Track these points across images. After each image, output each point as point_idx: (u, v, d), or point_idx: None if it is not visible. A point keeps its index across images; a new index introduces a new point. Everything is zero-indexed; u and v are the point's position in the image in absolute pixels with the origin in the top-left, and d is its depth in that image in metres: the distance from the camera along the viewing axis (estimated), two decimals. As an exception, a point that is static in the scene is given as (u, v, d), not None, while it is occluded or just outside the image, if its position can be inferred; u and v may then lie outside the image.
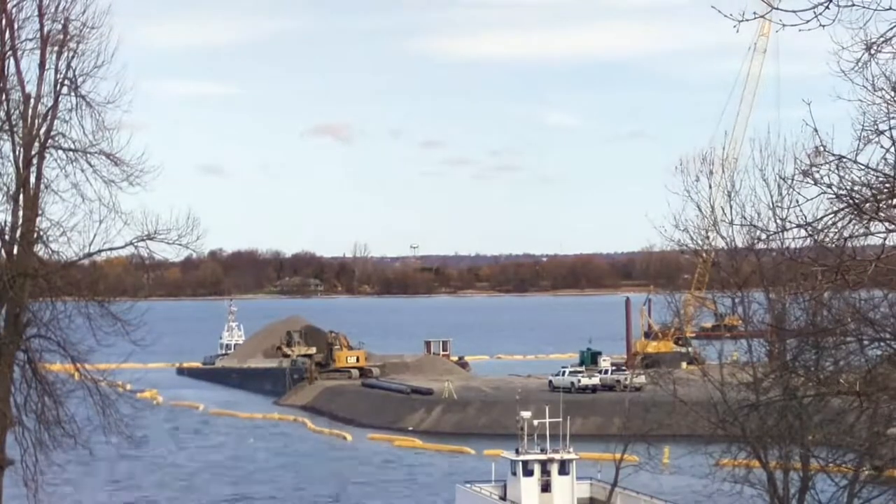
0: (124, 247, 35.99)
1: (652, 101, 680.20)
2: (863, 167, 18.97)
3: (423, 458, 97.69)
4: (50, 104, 35.06)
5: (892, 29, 17.76)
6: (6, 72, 34.64)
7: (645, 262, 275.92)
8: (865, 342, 25.85)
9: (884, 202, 18.92)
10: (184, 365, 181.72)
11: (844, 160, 18.96)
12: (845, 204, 18.88)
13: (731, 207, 42.98)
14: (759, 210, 40.99)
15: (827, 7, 16.32)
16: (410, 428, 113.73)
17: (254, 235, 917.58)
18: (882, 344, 25.47)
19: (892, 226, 19.16)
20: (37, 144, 34.94)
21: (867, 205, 18.75)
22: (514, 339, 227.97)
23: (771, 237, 37.51)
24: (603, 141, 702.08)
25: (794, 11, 16.38)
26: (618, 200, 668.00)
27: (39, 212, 35.25)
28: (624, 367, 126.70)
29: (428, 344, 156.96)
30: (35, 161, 34.99)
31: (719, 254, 47.77)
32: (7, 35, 34.55)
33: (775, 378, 39.06)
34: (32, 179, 35.05)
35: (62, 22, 34.75)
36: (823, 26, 16.42)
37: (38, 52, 34.78)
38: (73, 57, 34.94)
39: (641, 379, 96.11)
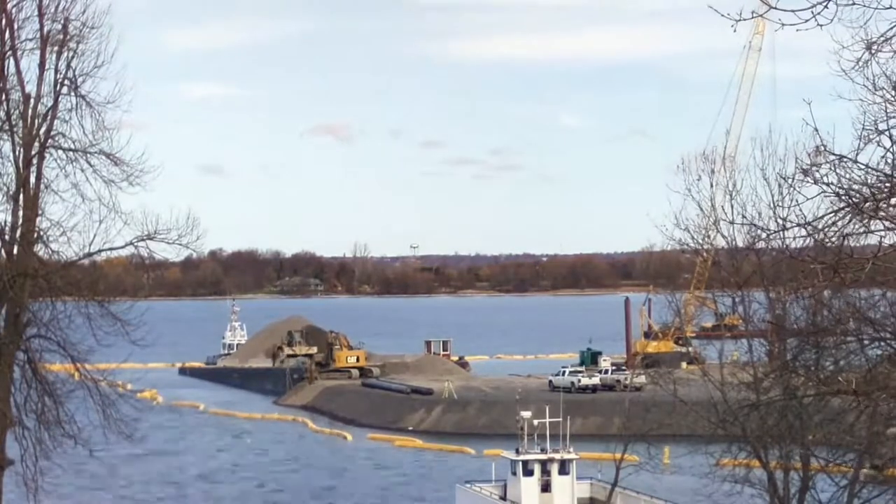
0: (124, 247, 36.04)
1: (654, 102, 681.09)
2: (863, 167, 18.98)
3: (423, 457, 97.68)
4: (50, 104, 35.09)
5: (892, 28, 17.77)
6: (6, 72, 34.66)
7: (645, 262, 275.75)
8: (865, 341, 25.87)
9: (883, 201, 18.93)
10: (186, 365, 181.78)
11: (844, 160, 18.97)
12: (845, 203, 18.90)
13: (731, 206, 43.05)
14: (760, 209, 41.07)
15: (825, 6, 16.32)
16: (410, 428, 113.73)
17: (254, 235, 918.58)
18: (882, 343, 25.49)
19: (892, 225, 19.17)
20: (37, 144, 34.96)
21: (867, 204, 18.76)
22: (514, 339, 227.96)
23: (771, 236, 37.50)
24: (603, 141, 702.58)
25: (792, 11, 16.39)
26: (618, 200, 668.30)
27: (39, 212, 35.27)
28: (624, 367, 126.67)
29: (428, 344, 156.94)
30: (35, 161, 35.01)
31: (720, 253, 47.80)
32: (7, 35, 34.58)
33: (775, 378, 39.08)
34: (32, 179, 35.07)
35: (62, 22, 34.79)
36: (821, 26, 16.43)
37: (38, 52, 34.81)
38: (73, 57, 34.98)
39: (641, 379, 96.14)
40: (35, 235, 35.15)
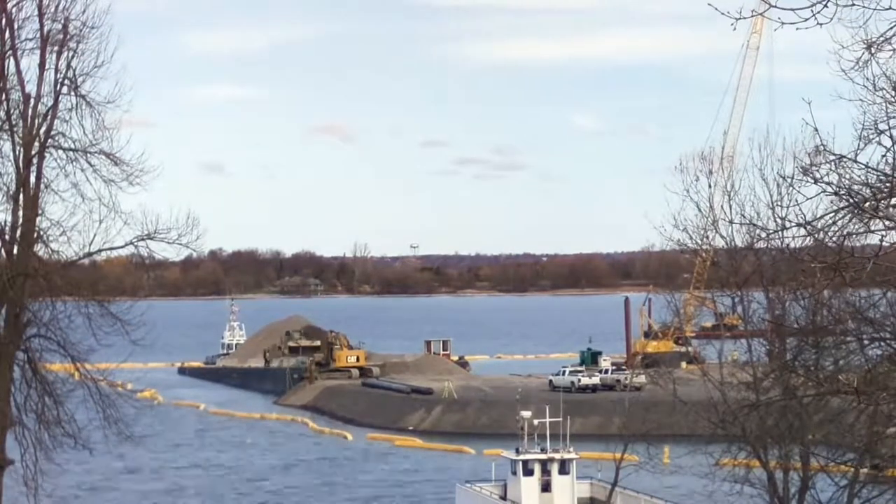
0: (124, 246, 36.06)
1: (657, 103, 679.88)
2: (863, 166, 18.99)
3: (423, 457, 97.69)
4: (50, 104, 35.10)
5: (892, 28, 17.77)
6: (6, 72, 34.67)
7: (645, 262, 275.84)
8: (865, 341, 25.86)
9: (883, 201, 18.93)
10: (185, 364, 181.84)
11: (844, 159, 18.97)
12: (845, 203, 18.90)
13: (730, 206, 43.05)
14: (759, 209, 41.06)
15: (825, 6, 16.32)
16: (410, 427, 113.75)
17: (254, 235, 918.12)
18: (882, 343, 25.48)
19: (892, 224, 19.17)
20: (37, 144, 34.97)
21: (867, 204, 18.76)
22: (514, 339, 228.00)
23: (770, 236, 37.53)
24: (604, 141, 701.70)
25: (792, 10, 16.39)
26: (618, 200, 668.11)
27: (39, 211, 35.29)
28: (624, 367, 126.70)
29: (428, 344, 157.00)
30: (35, 161, 35.02)
31: (719, 253, 47.78)
32: (7, 35, 34.59)
33: (775, 378, 39.08)
34: (32, 179, 35.08)
35: (62, 22, 34.81)
36: (821, 24, 16.42)
37: (38, 52, 34.82)
38: (73, 57, 35.00)
39: (641, 379, 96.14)
40: (35, 235, 35.17)
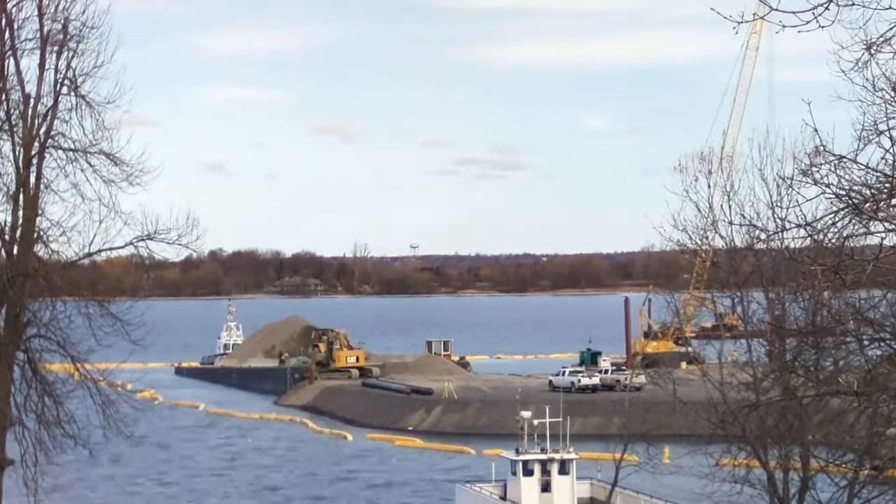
0: (124, 247, 36.04)
1: (660, 104, 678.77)
2: (862, 167, 18.98)
3: (423, 457, 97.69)
4: (50, 104, 35.08)
5: (892, 29, 17.76)
6: (6, 72, 34.66)
7: (645, 263, 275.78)
8: (865, 342, 25.85)
9: (883, 202, 18.93)
10: (182, 365, 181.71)
11: (844, 160, 18.96)
12: (845, 204, 18.89)
13: (729, 207, 43.06)
14: (759, 210, 41.07)
15: (826, 7, 16.31)
16: (410, 428, 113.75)
17: (254, 235, 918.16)
18: (882, 344, 25.47)
19: (892, 226, 19.17)
20: (37, 144, 34.96)
21: (867, 205, 18.76)
22: (514, 339, 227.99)
23: (770, 237, 37.53)
24: (605, 141, 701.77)
25: (793, 12, 16.37)
26: (618, 200, 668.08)
27: (39, 212, 35.27)
28: (624, 367, 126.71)
29: (429, 344, 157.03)
30: (35, 161, 35.01)
31: (718, 253, 47.79)
32: (7, 35, 34.57)
33: (775, 378, 39.08)
34: (32, 179, 35.07)
35: (62, 22, 34.78)
36: (823, 27, 16.42)
37: (38, 52, 34.80)
38: (72, 57, 34.98)
39: (641, 379, 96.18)
40: (35, 235, 35.15)
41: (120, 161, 35.34)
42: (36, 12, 34.63)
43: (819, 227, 19.54)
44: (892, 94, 20.14)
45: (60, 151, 35.40)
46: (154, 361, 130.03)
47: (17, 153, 34.80)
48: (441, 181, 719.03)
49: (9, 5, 34.52)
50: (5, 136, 34.90)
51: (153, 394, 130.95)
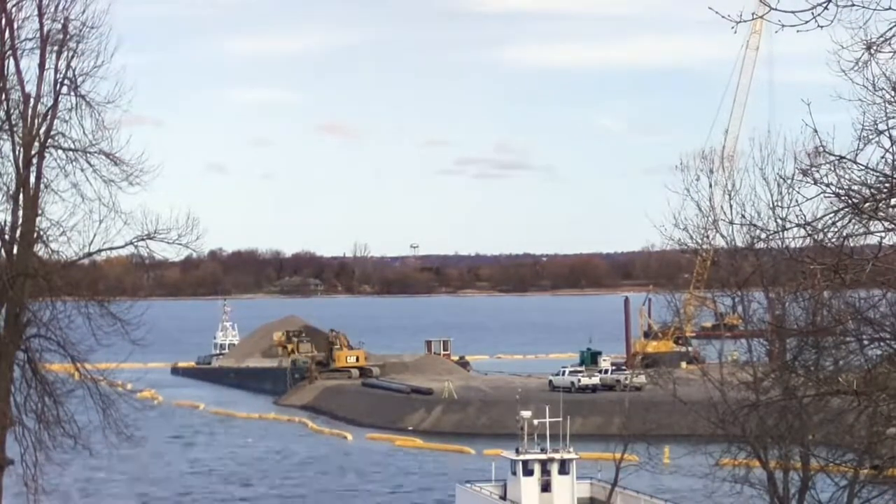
0: (124, 246, 36.06)
1: (663, 105, 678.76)
2: (862, 167, 18.98)
3: (423, 457, 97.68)
4: (50, 104, 35.09)
5: (891, 29, 17.77)
6: (6, 72, 34.66)
7: (645, 262, 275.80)
8: (865, 342, 25.86)
9: (883, 202, 18.93)
10: (178, 365, 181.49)
11: (844, 160, 18.96)
12: (845, 204, 18.89)
13: (730, 206, 43.05)
14: (759, 209, 41.08)
15: (826, 7, 16.32)
16: (410, 428, 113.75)
17: (254, 235, 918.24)
18: (882, 343, 25.47)
19: (891, 225, 19.17)
20: (37, 144, 34.97)
21: (867, 204, 18.76)
22: (514, 339, 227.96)
23: (771, 236, 37.54)
24: (606, 140, 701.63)
25: (792, 12, 16.38)
26: (618, 200, 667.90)
27: (39, 212, 35.28)
28: (624, 367, 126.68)
29: (429, 344, 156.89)
30: (35, 161, 35.02)
31: (719, 253, 47.78)
32: (7, 35, 34.57)
33: (775, 378, 39.07)
34: (32, 179, 35.08)
35: (62, 22, 34.79)
36: (822, 27, 16.42)
37: (38, 52, 34.81)
38: (72, 57, 34.98)
39: (641, 379, 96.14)
40: (35, 235, 35.16)
41: (120, 161, 35.38)
42: (36, 12, 34.66)
43: (819, 226, 19.55)
44: (892, 93, 20.15)
45: (60, 151, 35.43)
46: (154, 361, 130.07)
47: (17, 153, 34.81)
48: (441, 181, 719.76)
49: (9, 5, 34.53)
50: (5, 136, 34.94)
51: (153, 394, 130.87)
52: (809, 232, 19.57)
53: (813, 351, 33.24)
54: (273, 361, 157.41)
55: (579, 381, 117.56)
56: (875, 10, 17.28)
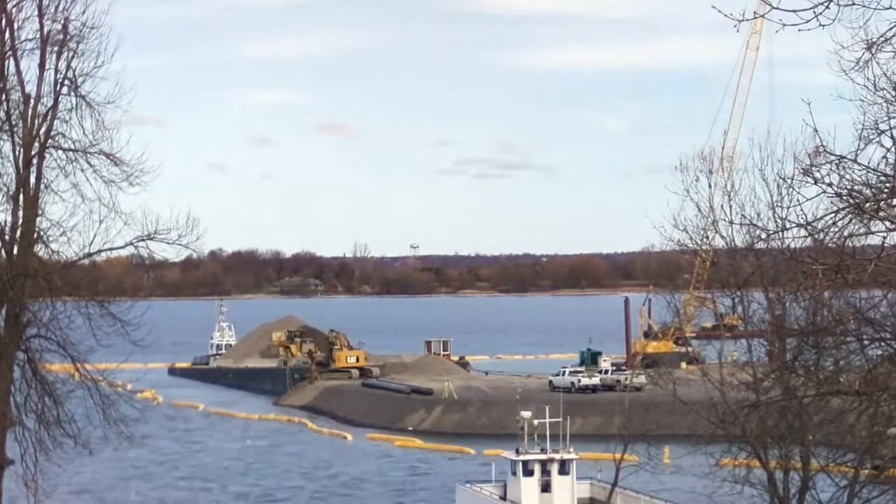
0: (124, 247, 36.05)
1: (666, 105, 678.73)
2: (863, 167, 18.97)
3: (423, 457, 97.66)
4: (50, 104, 35.08)
5: (892, 28, 17.76)
6: (6, 72, 34.65)
7: (645, 263, 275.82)
8: (865, 342, 25.85)
9: (884, 202, 18.92)
10: (175, 365, 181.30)
11: (845, 160, 18.96)
12: (845, 203, 18.88)
13: (730, 207, 43.03)
14: (759, 209, 41.05)
15: (827, 7, 16.31)
16: (410, 428, 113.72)
17: (254, 235, 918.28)
18: (882, 343, 25.47)
19: (893, 225, 19.15)
20: (37, 144, 34.96)
21: (867, 204, 18.75)
22: (514, 339, 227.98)
23: (771, 237, 37.50)
24: (607, 140, 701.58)
25: (793, 11, 16.37)
26: (618, 200, 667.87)
27: (39, 212, 35.28)
28: (624, 367, 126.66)
29: (428, 344, 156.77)
30: (35, 161, 35.01)
31: (719, 253, 47.76)
32: (7, 35, 34.57)
33: (775, 378, 39.06)
34: (32, 179, 35.07)
35: (62, 22, 34.78)
36: (823, 26, 16.41)
37: (38, 52, 34.80)
38: (72, 57, 34.97)
39: (641, 379, 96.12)
40: (35, 235, 35.15)
41: (120, 161, 35.37)
42: (36, 12, 34.65)
43: (820, 226, 19.55)
44: (893, 93, 20.13)
45: (60, 151, 35.42)
46: (154, 361, 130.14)
47: (17, 153, 34.80)
48: (442, 181, 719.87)
49: (9, 5, 34.52)
50: (5, 136, 34.93)
51: (153, 394, 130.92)
52: (810, 232, 19.58)
53: (813, 351, 33.20)
54: (272, 362, 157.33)
55: (579, 381, 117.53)
56: (876, 9, 17.28)
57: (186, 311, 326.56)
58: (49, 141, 35.16)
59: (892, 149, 19.30)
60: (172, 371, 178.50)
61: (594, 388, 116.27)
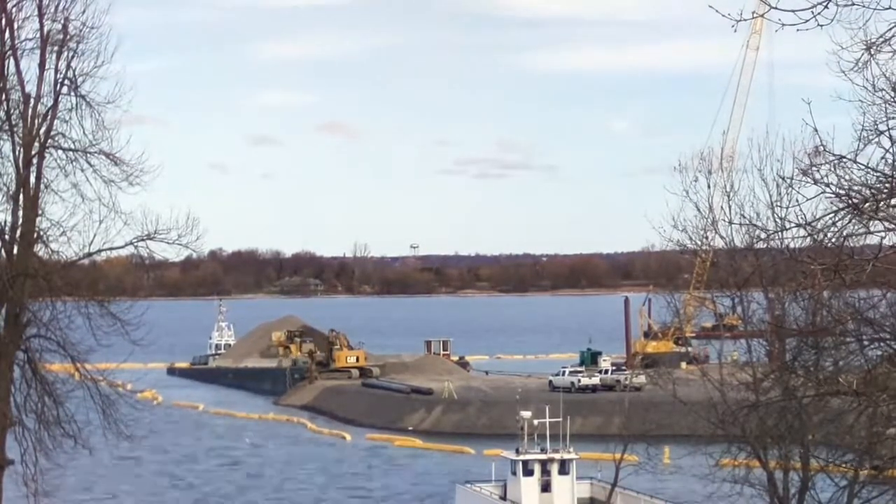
0: (124, 247, 36.00)
1: (665, 106, 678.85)
2: (862, 167, 18.98)
3: (423, 457, 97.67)
4: (50, 104, 35.04)
5: (891, 29, 17.77)
6: (6, 72, 34.63)
7: (645, 262, 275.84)
8: (865, 342, 25.87)
9: (883, 202, 18.93)
10: (175, 365, 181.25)
11: (844, 160, 18.97)
12: (845, 203, 18.89)
13: (729, 207, 43.04)
14: (759, 209, 41.05)
15: (826, 7, 16.32)
16: (410, 428, 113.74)
17: (254, 235, 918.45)
18: (881, 343, 25.49)
19: (891, 225, 19.17)
20: (37, 144, 34.93)
21: (867, 204, 18.76)
22: (514, 339, 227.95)
23: (770, 237, 37.54)
24: (607, 141, 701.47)
25: (792, 11, 16.38)
26: (618, 200, 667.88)
27: (39, 212, 35.24)
28: (624, 367, 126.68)
29: (428, 344, 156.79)
30: (35, 161, 34.98)
31: (718, 253, 47.76)
32: (7, 35, 34.55)
33: (775, 378, 39.07)
34: (32, 179, 35.04)
35: (62, 22, 34.74)
36: (822, 26, 16.42)
37: (38, 52, 34.77)
38: (72, 57, 34.93)
39: (641, 379, 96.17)
40: (35, 235, 35.13)
41: (120, 161, 35.33)
42: (36, 12, 34.60)
43: (819, 226, 19.55)
44: (892, 94, 20.15)
45: (60, 151, 35.38)
46: (154, 361, 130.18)
47: (17, 153, 34.78)
48: (442, 181, 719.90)
49: (9, 5, 34.50)
50: (5, 136, 34.91)
51: (154, 394, 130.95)
52: (809, 232, 19.58)
53: (813, 351, 33.23)
54: (272, 361, 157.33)
55: (579, 381, 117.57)
56: (875, 9, 17.29)
57: (186, 311, 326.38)
58: (49, 141, 35.14)
59: (891, 149, 19.32)
60: (172, 371, 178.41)
61: (594, 388, 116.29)
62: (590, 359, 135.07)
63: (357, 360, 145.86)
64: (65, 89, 35.04)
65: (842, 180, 18.98)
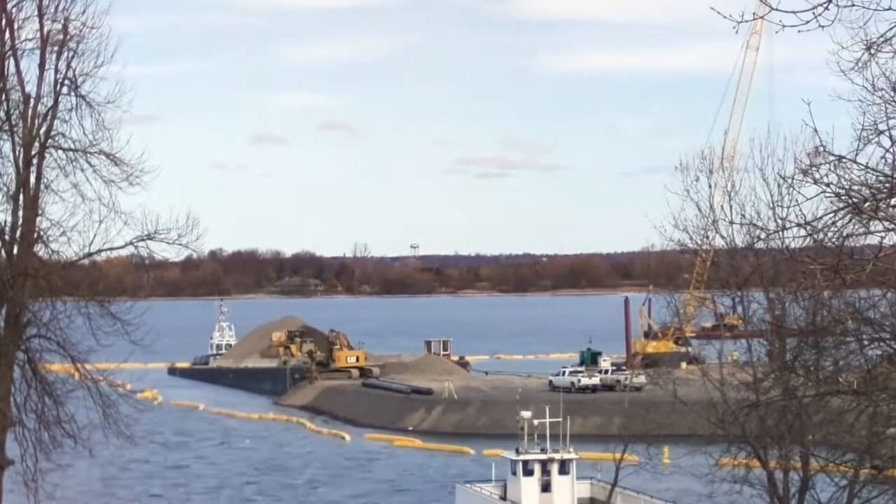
0: (124, 247, 36.05)
1: (665, 106, 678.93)
2: (862, 167, 18.98)
3: (423, 457, 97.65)
4: (50, 104, 35.07)
5: (891, 29, 17.77)
6: (6, 72, 34.66)
7: (645, 262, 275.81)
8: (865, 342, 25.88)
9: (883, 202, 18.93)
10: (176, 365, 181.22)
11: (844, 160, 18.97)
12: (845, 203, 18.89)
13: (730, 207, 43.04)
14: (759, 209, 41.07)
15: (826, 7, 16.32)
16: (410, 428, 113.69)
17: (254, 235, 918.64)
18: (881, 343, 25.50)
19: (891, 225, 19.17)
20: (37, 144, 34.96)
21: (866, 204, 18.76)
22: (514, 339, 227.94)
23: (770, 236, 37.55)
24: (607, 141, 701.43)
25: (793, 12, 16.38)
26: (618, 200, 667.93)
27: (39, 212, 35.27)
28: (624, 367, 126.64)
29: (428, 344, 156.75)
30: (35, 161, 35.01)
31: (719, 253, 47.77)
32: (7, 35, 34.57)
33: (775, 378, 39.08)
34: (32, 179, 35.07)
35: (62, 22, 34.78)
36: (823, 27, 16.42)
37: (38, 52, 34.81)
38: (73, 57, 34.97)
39: (641, 379, 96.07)
40: (35, 235, 35.15)
41: (120, 161, 35.37)
42: (36, 12, 34.65)
43: (819, 226, 19.55)
44: (892, 94, 20.16)
45: (60, 151, 35.42)
46: (154, 361, 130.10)
47: (17, 153, 34.81)
48: (442, 181, 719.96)
49: (9, 5, 34.53)
50: (5, 136, 34.94)
51: (154, 394, 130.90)
52: (809, 232, 19.58)
53: (813, 351, 33.27)
54: (272, 361, 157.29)
55: (579, 381, 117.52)
56: (875, 10, 17.29)
57: (186, 311, 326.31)
58: (49, 141, 35.17)
59: (891, 149, 19.33)
60: (172, 371, 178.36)
61: (594, 388, 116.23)
62: (590, 359, 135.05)
63: (357, 360, 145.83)
64: (65, 89, 35.09)
65: (842, 180, 18.99)
